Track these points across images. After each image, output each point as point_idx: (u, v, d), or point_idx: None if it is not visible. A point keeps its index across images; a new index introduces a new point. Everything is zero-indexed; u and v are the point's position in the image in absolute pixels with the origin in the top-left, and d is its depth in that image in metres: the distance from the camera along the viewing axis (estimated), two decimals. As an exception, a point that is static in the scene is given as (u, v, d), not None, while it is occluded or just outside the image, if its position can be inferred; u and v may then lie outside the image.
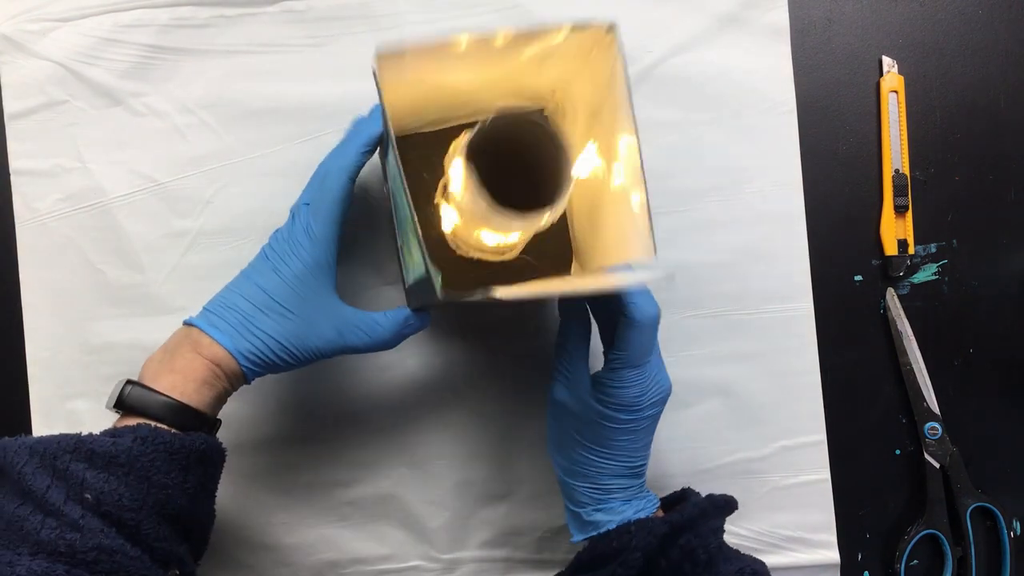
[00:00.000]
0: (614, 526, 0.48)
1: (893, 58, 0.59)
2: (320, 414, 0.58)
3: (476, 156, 0.47)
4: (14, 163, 0.58)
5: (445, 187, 0.46)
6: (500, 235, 0.49)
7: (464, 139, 0.43)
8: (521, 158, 0.47)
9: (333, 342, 0.48)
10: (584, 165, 0.49)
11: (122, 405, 0.45)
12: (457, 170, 0.44)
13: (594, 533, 0.49)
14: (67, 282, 0.58)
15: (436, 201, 0.48)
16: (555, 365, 0.50)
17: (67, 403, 0.58)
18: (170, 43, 0.58)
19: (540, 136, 0.45)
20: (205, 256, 0.58)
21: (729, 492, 0.58)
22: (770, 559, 0.59)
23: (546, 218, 0.45)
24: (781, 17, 0.58)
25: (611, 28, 0.41)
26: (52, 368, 0.58)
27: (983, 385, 0.60)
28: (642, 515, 0.48)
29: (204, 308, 0.49)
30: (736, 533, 0.59)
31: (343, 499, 0.58)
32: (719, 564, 0.47)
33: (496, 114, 0.43)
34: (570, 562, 0.50)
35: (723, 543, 0.49)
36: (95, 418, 0.58)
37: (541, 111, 0.54)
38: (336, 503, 0.58)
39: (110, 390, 0.57)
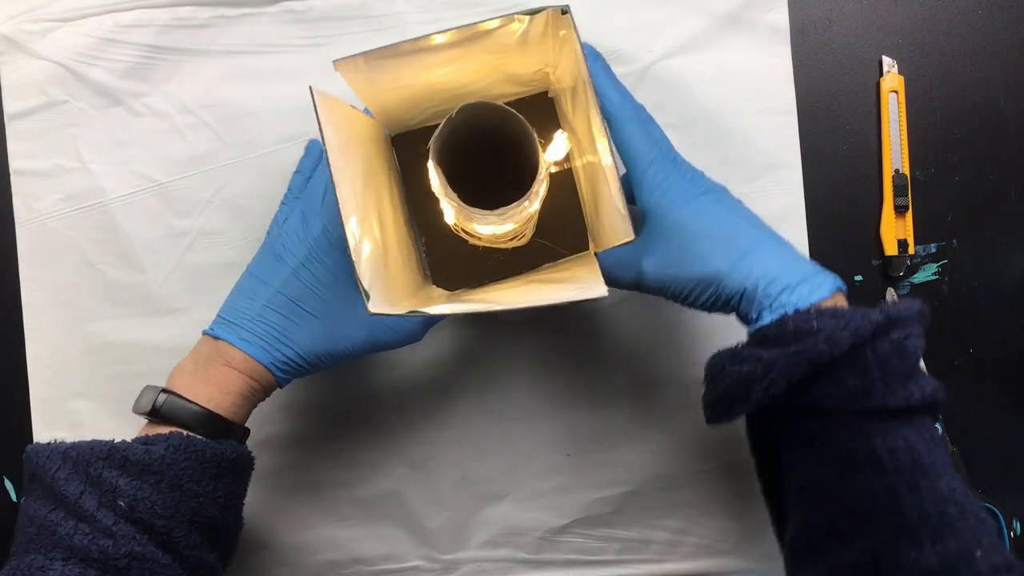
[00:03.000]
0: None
1: (893, 58, 0.59)
2: (321, 415, 0.58)
3: (455, 151, 0.47)
4: (14, 163, 0.58)
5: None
6: (491, 226, 0.49)
7: (431, 141, 0.44)
8: (509, 146, 0.48)
9: (363, 342, 0.48)
10: (555, 150, 0.50)
11: (156, 414, 0.46)
12: (431, 171, 0.45)
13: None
14: (67, 282, 0.58)
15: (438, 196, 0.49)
16: None
17: (67, 403, 0.58)
18: (170, 43, 0.58)
19: (516, 124, 0.45)
20: (205, 256, 0.58)
21: (731, 492, 0.59)
22: (772, 559, 0.59)
23: (526, 205, 0.46)
24: (781, 17, 0.58)
25: (565, 10, 0.43)
26: (52, 368, 0.58)
27: (983, 385, 0.60)
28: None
29: (224, 319, 0.48)
30: (738, 532, 0.59)
31: (344, 499, 0.59)
32: (919, 375, 0.42)
33: (461, 108, 0.44)
34: (746, 339, 0.45)
35: None
36: (95, 418, 0.58)
37: (546, 93, 0.54)
38: (337, 503, 0.59)
39: (110, 390, 0.58)
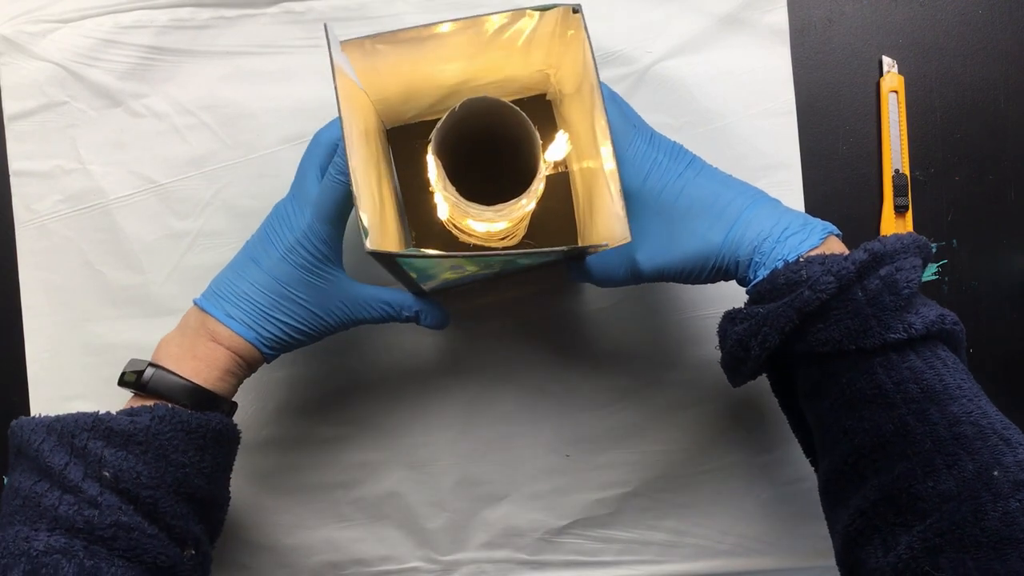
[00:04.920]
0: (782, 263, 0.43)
1: (893, 58, 0.59)
2: (320, 416, 0.58)
3: (454, 146, 0.47)
4: (14, 164, 0.58)
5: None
6: (486, 223, 0.49)
7: (432, 133, 0.44)
8: (507, 144, 0.48)
9: (345, 320, 0.49)
10: (556, 151, 0.50)
11: (143, 387, 0.46)
12: (430, 163, 0.45)
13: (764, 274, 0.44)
14: (67, 283, 0.58)
15: (430, 190, 0.49)
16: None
17: (67, 403, 0.58)
18: (169, 44, 0.58)
19: (518, 122, 0.45)
20: (204, 257, 0.58)
21: (729, 493, 0.59)
22: (771, 560, 0.59)
23: (524, 203, 0.45)
24: (781, 17, 0.58)
25: (577, 9, 0.43)
26: (52, 369, 0.58)
27: (983, 385, 0.59)
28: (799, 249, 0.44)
29: (215, 292, 0.48)
30: (737, 533, 0.59)
31: (343, 500, 0.59)
32: (918, 304, 0.42)
33: (464, 103, 0.44)
34: (747, 300, 0.46)
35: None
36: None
37: (543, 96, 0.54)
38: (336, 504, 0.59)
39: (110, 391, 0.57)
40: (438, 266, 0.43)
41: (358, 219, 0.39)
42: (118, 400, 0.57)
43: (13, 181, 0.58)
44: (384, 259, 0.40)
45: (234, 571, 0.59)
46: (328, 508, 0.58)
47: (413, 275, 0.45)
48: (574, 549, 0.59)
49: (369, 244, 0.39)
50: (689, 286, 0.57)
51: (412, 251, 0.40)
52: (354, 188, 0.39)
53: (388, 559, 0.59)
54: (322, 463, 0.58)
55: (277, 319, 0.47)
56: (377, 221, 0.44)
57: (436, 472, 0.59)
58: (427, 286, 0.49)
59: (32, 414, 0.58)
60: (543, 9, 0.43)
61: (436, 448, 0.58)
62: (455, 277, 0.49)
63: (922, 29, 0.59)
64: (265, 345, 0.48)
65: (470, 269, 0.46)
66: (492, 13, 0.43)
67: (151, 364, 0.46)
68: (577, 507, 0.58)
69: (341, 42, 0.42)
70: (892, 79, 0.58)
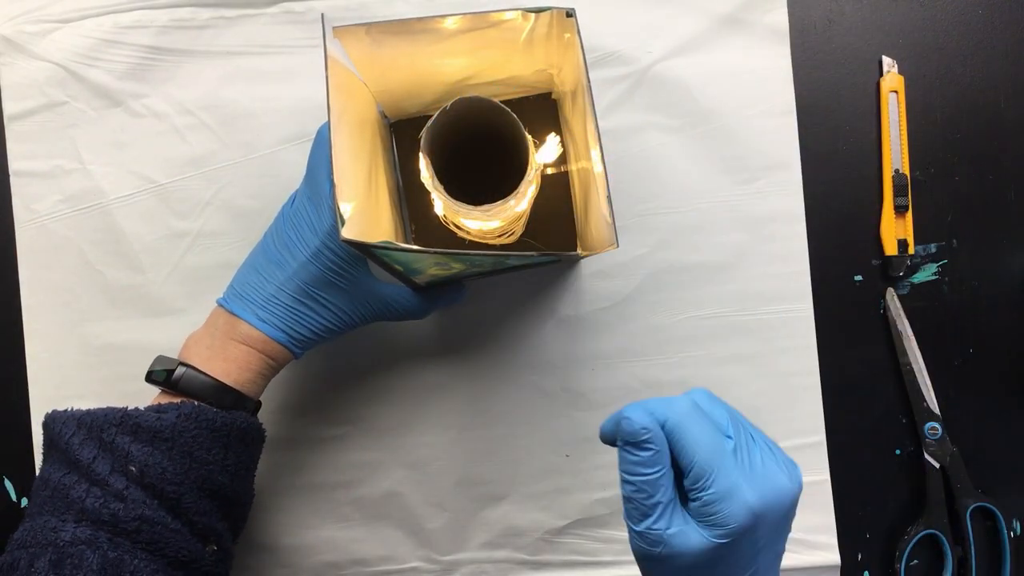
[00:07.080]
0: None
1: (893, 58, 0.59)
2: (321, 416, 0.58)
3: (451, 144, 0.47)
4: (14, 164, 0.58)
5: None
6: (477, 222, 0.49)
7: (422, 132, 0.44)
8: (503, 144, 0.48)
9: (370, 318, 0.50)
10: (547, 153, 0.50)
11: (174, 386, 0.47)
12: (421, 161, 0.45)
13: None
14: (67, 283, 0.58)
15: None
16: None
17: (66, 403, 0.57)
18: (169, 44, 0.58)
19: (509, 123, 0.45)
20: (204, 257, 0.58)
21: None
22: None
23: (512, 204, 0.46)
24: (780, 18, 0.58)
25: (571, 13, 0.43)
26: (52, 368, 0.58)
27: (983, 385, 0.59)
28: None
29: (240, 295, 0.48)
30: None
31: (343, 500, 0.59)
32: None
33: (455, 102, 0.44)
34: None
35: None
36: (95, 419, 0.58)
37: (549, 94, 0.54)
38: (336, 504, 0.59)
39: (110, 391, 0.58)
40: (421, 261, 0.43)
41: (335, 207, 0.39)
42: (118, 400, 0.57)
43: (13, 181, 0.58)
44: (360, 249, 0.40)
45: (234, 571, 0.59)
46: (328, 508, 0.59)
47: (399, 268, 0.45)
48: (574, 549, 0.59)
49: (344, 233, 0.39)
50: (689, 285, 0.58)
51: (385, 243, 0.40)
52: (335, 175, 0.39)
53: (388, 559, 0.59)
54: (322, 463, 0.58)
55: (307, 321, 0.48)
56: (366, 211, 0.44)
57: (436, 472, 0.59)
58: (418, 280, 0.49)
59: (32, 414, 0.58)
60: (537, 11, 0.43)
61: (436, 448, 0.58)
62: (444, 273, 0.49)
63: (922, 29, 0.59)
64: (296, 345, 0.49)
65: (456, 267, 0.46)
66: (489, 11, 0.43)
67: (181, 363, 0.47)
68: (577, 507, 0.58)
69: (335, 28, 0.42)
70: (892, 79, 0.58)
